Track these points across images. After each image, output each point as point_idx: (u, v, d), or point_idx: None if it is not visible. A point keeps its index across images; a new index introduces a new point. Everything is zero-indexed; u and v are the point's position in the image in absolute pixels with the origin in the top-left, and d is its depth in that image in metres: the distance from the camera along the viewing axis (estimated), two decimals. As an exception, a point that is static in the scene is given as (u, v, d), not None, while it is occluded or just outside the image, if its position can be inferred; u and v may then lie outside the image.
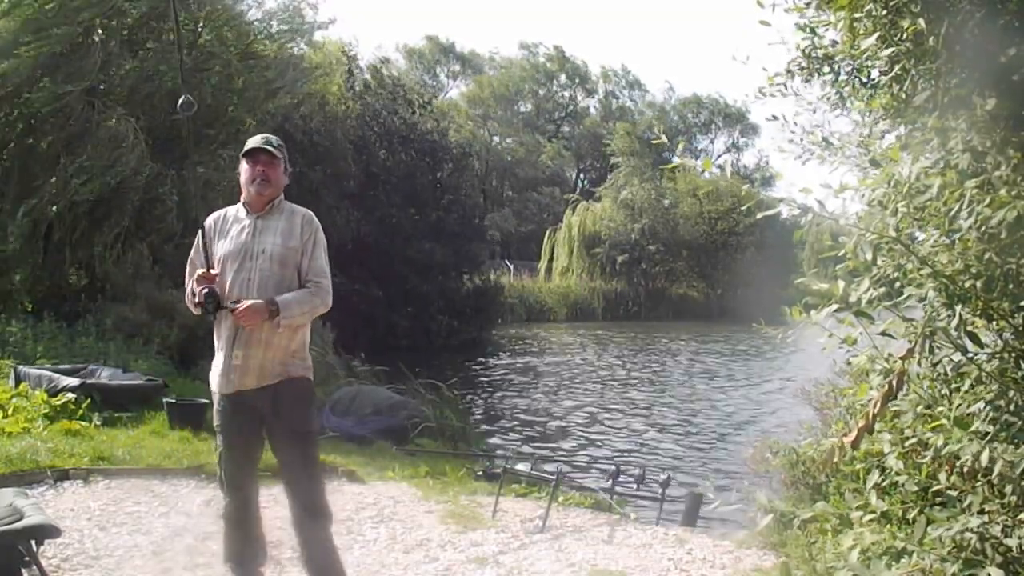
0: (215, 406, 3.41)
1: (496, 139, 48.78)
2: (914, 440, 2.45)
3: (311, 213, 3.45)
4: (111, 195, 11.12)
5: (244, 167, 3.41)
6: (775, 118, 2.93)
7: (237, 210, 3.44)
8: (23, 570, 3.16)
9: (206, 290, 3.21)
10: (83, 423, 6.53)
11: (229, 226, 3.40)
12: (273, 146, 3.38)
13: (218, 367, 3.32)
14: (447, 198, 20.53)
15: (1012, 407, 2.21)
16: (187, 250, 3.50)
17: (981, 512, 2.18)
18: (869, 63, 2.69)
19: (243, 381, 3.26)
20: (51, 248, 11.11)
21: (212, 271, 3.27)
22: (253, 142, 3.41)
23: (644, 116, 52.84)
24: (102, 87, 12.04)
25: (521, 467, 6.18)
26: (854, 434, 2.45)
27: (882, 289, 2.30)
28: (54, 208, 10.87)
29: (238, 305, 3.18)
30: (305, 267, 3.33)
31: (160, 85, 12.08)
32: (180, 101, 3.26)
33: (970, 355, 2.31)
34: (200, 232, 3.35)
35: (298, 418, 3.34)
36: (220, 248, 3.35)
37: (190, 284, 3.35)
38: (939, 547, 2.16)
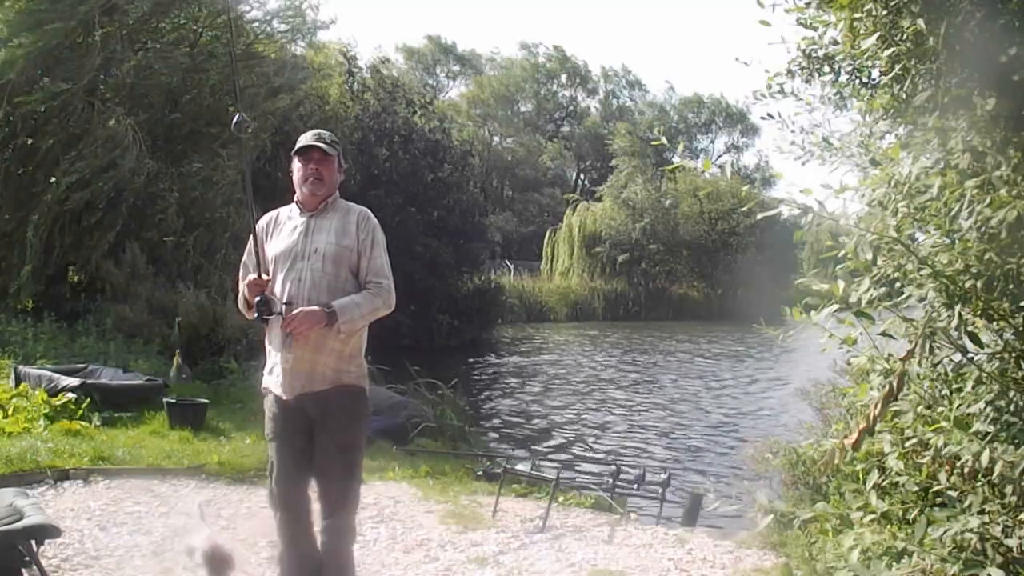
0: (267, 412, 3.24)
1: (496, 139, 48.79)
2: (914, 440, 2.44)
3: (368, 211, 3.30)
4: (109, 194, 11.10)
5: (296, 165, 3.25)
6: (770, 116, 2.92)
7: (290, 210, 3.29)
8: (23, 570, 3.16)
9: (259, 297, 3.06)
10: (83, 423, 6.53)
11: (281, 226, 3.25)
12: (326, 142, 3.22)
13: (269, 371, 3.19)
14: (448, 198, 20.53)
15: (1012, 407, 2.21)
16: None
17: (981, 512, 2.18)
18: (869, 63, 2.69)
19: (293, 385, 3.10)
20: (50, 248, 11.10)
21: (264, 276, 3.13)
22: (305, 139, 3.24)
23: (644, 116, 52.86)
24: (102, 87, 12.05)
25: (521, 467, 6.17)
26: (855, 435, 2.45)
27: (882, 289, 2.30)
28: (53, 216, 10.87)
29: (288, 306, 3.04)
30: (364, 267, 3.18)
31: (159, 83, 12.07)
32: (235, 120, 3.17)
33: (970, 355, 2.31)
34: (252, 235, 3.19)
35: (344, 429, 3.16)
36: (271, 249, 3.21)
37: (242, 289, 3.22)
38: (939, 547, 2.16)
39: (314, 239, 3.17)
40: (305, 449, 3.17)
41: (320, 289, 3.09)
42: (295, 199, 3.28)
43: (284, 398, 3.14)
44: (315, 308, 3.03)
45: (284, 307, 3.05)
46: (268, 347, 3.22)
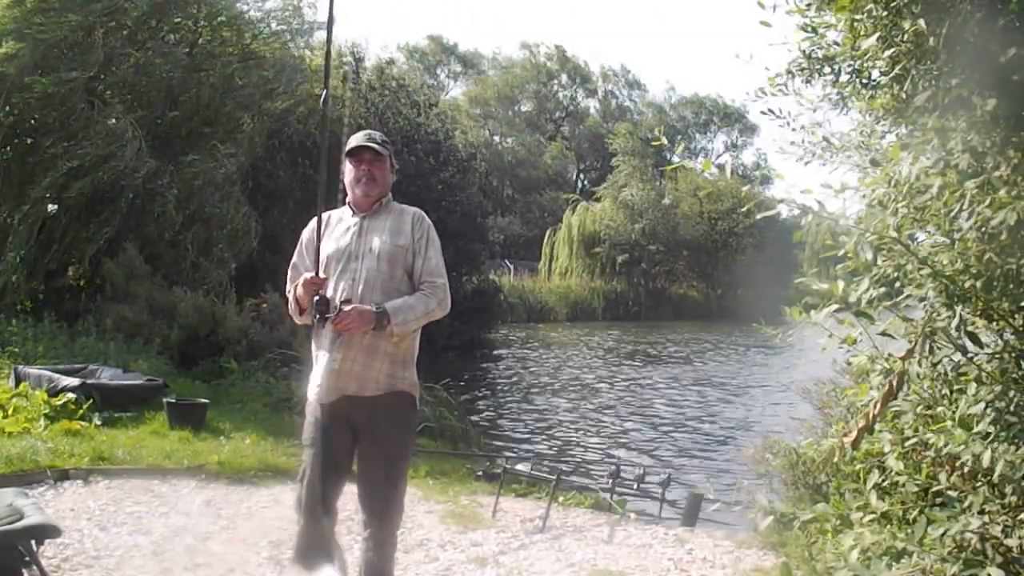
0: (308, 417, 3.11)
1: (496, 139, 48.81)
2: (915, 440, 2.45)
3: (422, 212, 3.23)
4: (108, 189, 11.09)
5: (348, 167, 3.18)
6: (772, 112, 2.92)
7: (342, 212, 3.22)
8: (23, 570, 3.15)
9: (316, 296, 2.95)
10: (83, 423, 6.53)
11: (333, 228, 3.17)
12: (378, 143, 3.15)
13: (316, 374, 3.05)
14: (450, 199, 20.49)
15: (1013, 407, 2.21)
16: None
17: (982, 512, 2.18)
18: (870, 64, 2.69)
19: (341, 386, 2.98)
20: (48, 246, 11.10)
21: (321, 275, 3.03)
22: (356, 140, 3.17)
23: (644, 116, 52.95)
24: (101, 85, 12.05)
25: (521, 467, 6.18)
26: (854, 434, 2.45)
27: (882, 289, 2.30)
28: (53, 206, 10.85)
29: (347, 302, 2.93)
30: (418, 268, 3.10)
31: (158, 81, 12.06)
32: (322, 96, 3.22)
33: (970, 355, 2.31)
34: (318, 227, 3.09)
35: (394, 441, 3.06)
36: (323, 251, 3.10)
37: (293, 291, 3.12)
38: (939, 547, 2.16)
39: (368, 239, 3.09)
40: (343, 458, 3.06)
41: (375, 288, 3.01)
42: (347, 201, 3.22)
43: (328, 402, 3.02)
44: (367, 308, 2.93)
45: (342, 304, 2.95)
46: (315, 351, 3.10)
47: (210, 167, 12.11)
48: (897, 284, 2.34)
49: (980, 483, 2.26)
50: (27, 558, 3.12)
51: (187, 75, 12.41)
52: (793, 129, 2.90)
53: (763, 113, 2.96)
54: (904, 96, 2.51)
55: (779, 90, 2.93)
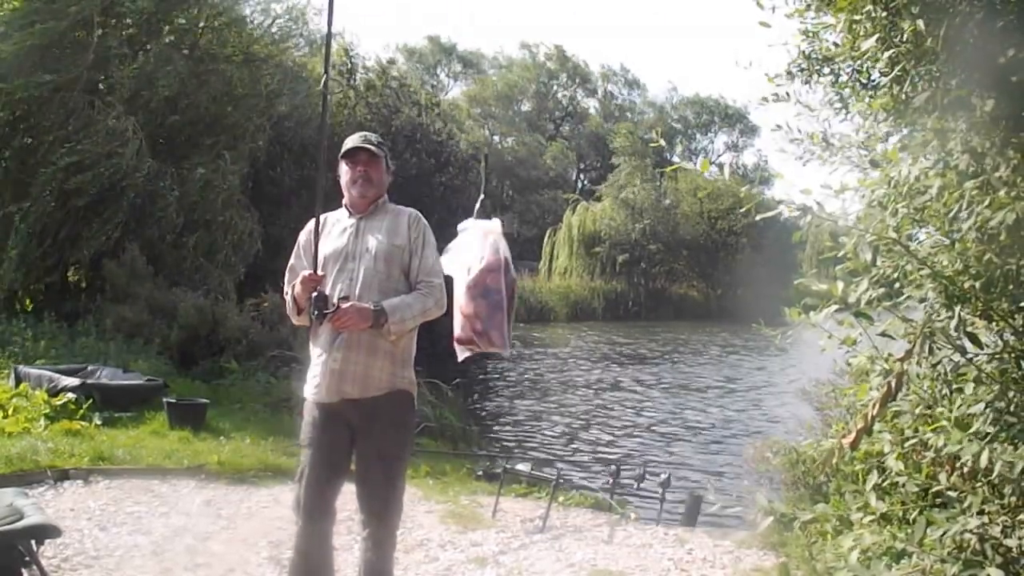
0: (305, 417, 3.11)
1: (496, 139, 48.78)
2: (914, 441, 2.45)
3: (418, 212, 3.24)
4: (109, 189, 11.07)
5: (343, 169, 3.19)
6: (779, 127, 2.90)
7: (339, 214, 3.24)
8: (23, 570, 3.16)
9: (315, 293, 2.95)
10: (83, 423, 6.54)
11: (330, 229, 3.19)
12: (373, 144, 3.18)
13: (315, 374, 3.05)
14: (452, 201, 20.45)
15: (1012, 408, 2.21)
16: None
17: (981, 513, 2.18)
18: (869, 64, 2.69)
19: (343, 389, 2.99)
20: (49, 246, 11.09)
21: (318, 272, 3.04)
22: (351, 141, 3.19)
23: (645, 116, 52.92)
24: (102, 86, 12.03)
25: (521, 467, 6.18)
26: (853, 435, 2.45)
27: (881, 290, 2.30)
28: (51, 204, 10.85)
29: (344, 300, 2.93)
30: (415, 268, 3.11)
31: (158, 86, 12.04)
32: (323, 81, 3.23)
33: (970, 356, 2.31)
34: (315, 229, 3.11)
35: (392, 441, 3.06)
36: (320, 252, 3.11)
37: (291, 290, 3.13)
38: (939, 548, 2.16)
39: (365, 239, 3.11)
40: (342, 458, 3.07)
41: (372, 288, 3.02)
42: (343, 202, 3.23)
43: (327, 402, 3.03)
44: (365, 305, 2.94)
45: (340, 302, 2.95)
46: (313, 349, 3.10)
47: (213, 173, 12.10)
48: (897, 285, 2.34)
49: (980, 483, 2.26)
50: (27, 558, 3.13)
51: (188, 79, 12.38)
52: (794, 140, 2.89)
53: (773, 130, 2.94)
54: (904, 97, 2.51)
55: (779, 92, 2.93)
